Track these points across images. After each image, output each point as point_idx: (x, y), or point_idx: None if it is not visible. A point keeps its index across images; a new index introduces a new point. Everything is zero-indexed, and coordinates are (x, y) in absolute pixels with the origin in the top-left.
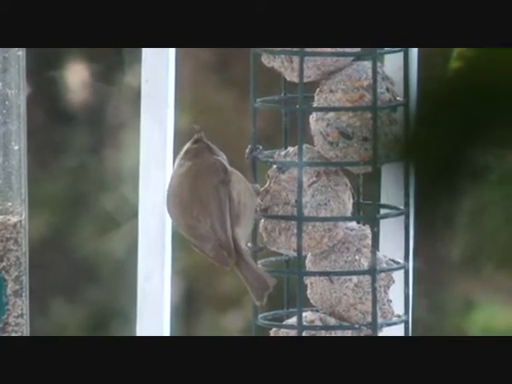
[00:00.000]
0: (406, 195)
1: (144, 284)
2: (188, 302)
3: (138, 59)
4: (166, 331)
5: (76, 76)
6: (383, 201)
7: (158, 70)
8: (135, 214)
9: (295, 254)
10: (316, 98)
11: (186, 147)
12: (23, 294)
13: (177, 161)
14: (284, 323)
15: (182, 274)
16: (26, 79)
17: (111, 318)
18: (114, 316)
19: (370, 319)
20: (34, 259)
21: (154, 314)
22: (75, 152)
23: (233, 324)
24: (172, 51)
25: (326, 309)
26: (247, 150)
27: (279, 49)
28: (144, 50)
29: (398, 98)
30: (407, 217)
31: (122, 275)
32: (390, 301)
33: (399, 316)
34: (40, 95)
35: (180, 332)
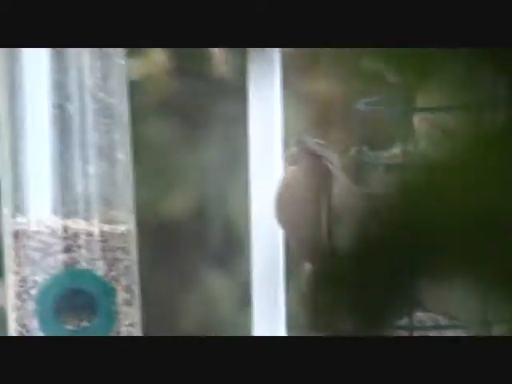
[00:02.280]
0: None
1: None
2: None
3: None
4: None
5: None
6: None
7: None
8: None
9: None
10: (419, 98)
11: (288, 150)
12: (134, 303)
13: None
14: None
15: None
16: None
17: None
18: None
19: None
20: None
21: None
22: None
23: None
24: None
25: (436, 308)
26: (352, 152)
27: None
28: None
29: None
30: None
31: None
32: None
33: None
34: None
35: None
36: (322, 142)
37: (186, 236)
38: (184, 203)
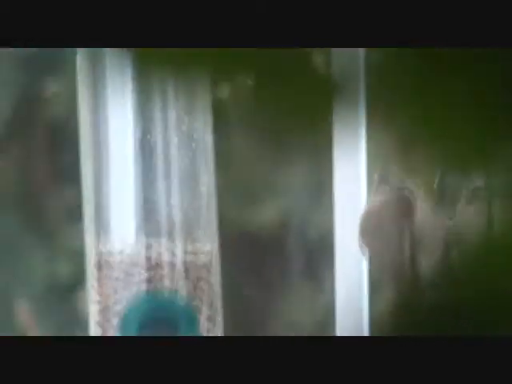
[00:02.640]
0: None
1: None
2: None
3: None
4: None
5: None
6: None
7: None
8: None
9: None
10: None
11: (371, 185)
12: (217, 332)
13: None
14: None
15: None
16: None
17: None
18: None
19: None
20: None
21: None
22: None
23: None
24: None
25: None
26: (436, 180)
27: None
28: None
29: None
30: None
31: None
32: None
33: None
34: None
35: None
36: (403, 173)
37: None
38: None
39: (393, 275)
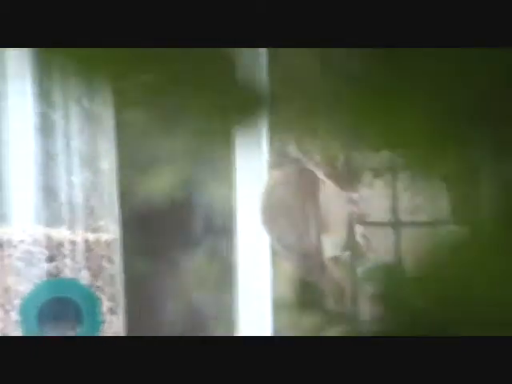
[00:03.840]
0: None
1: None
2: None
3: None
4: None
5: None
6: None
7: None
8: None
9: (395, 260)
10: None
11: (274, 155)
12: (119, 312)
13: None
14: None
15: None
16: None
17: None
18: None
19: None
20: None
21: None
22: None
23: None
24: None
25: None
26: (341, 157)
27: None
28: None
29: None
30: None
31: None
32: None
33: None
34: None
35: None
36: (306, 147)
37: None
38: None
39: (296, 253)
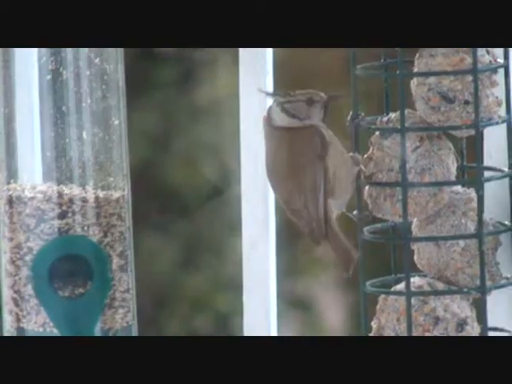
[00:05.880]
0: (510, 157)
1: (249, 252)
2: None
3: None
4: (272, 298)
5: None
6: (487, 163)
7: None
8: (237, 182)
9: (401, 220)
10: (416, 62)
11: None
12: (128, 269)
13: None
14: (392, 289)
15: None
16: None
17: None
18: (222, 287)
19: (478, 282)
20: None
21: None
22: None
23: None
24: None
25: (433, 273)
26: (348, 117)
27: None
28: None
29: (498, 60)
30: None
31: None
32: (498, 263)
33: (507, 278)
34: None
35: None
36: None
37: None
38: None
39: (302, 214)
